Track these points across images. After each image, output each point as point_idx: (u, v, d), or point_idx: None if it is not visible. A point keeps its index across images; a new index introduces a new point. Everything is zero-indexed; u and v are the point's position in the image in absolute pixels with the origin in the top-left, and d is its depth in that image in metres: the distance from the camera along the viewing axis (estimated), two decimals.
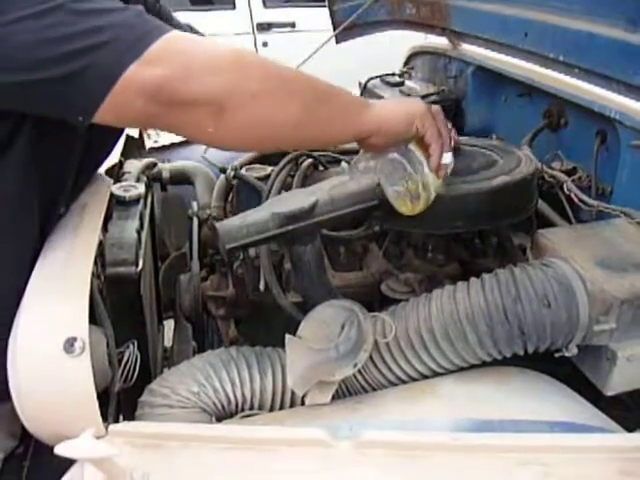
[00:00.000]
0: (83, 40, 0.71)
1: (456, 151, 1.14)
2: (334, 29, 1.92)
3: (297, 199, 0.98)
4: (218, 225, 0.98)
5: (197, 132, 0.80)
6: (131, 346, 0.98)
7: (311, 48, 1.80)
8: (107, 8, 0.74)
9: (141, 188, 1.19)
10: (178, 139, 1.89)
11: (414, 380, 0.92)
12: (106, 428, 0.76)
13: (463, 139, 1.25)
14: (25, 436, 1.10)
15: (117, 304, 1.03)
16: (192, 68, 0.74)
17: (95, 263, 0.94)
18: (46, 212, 0.95)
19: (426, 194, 0.95)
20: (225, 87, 0.75)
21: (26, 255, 0.89)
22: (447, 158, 0.96)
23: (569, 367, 0.96)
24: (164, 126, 0.81)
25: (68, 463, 0.75)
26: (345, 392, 0.94)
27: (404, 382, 0.92)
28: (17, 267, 0.87)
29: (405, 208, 0.97)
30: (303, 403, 0.89)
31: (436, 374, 0.91)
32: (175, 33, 0.76)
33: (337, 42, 1.96)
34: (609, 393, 0.90)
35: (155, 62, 0.72)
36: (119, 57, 0.71)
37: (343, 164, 1.42)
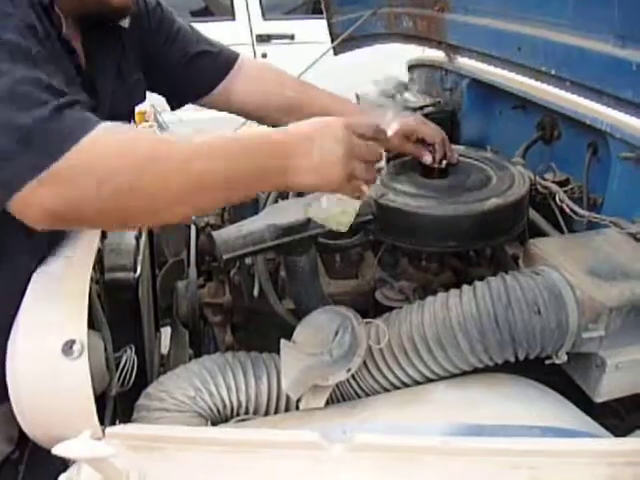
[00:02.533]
0: None
1: (453, 165, 1.16)
2: (332, 41, 1.95)
3: (293, 211, 1.00)
4: (215, 235, 0.99)
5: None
6: (128, 350, 0.99)
7: (310, 59, 1.83)
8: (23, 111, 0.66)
9: None
10: None
11: (407, 386, 0.93)
12: (103, 431, 0.76)
13: (459, 149, 1.27)
14: (21, 441, 1.10)
15: (115, 309, 1.04)
16: (93, 189, 0.67)
17: (94, 269, 0.95)
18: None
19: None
20: (124, 202, 0.70)
21: (33, 265, 0.90)
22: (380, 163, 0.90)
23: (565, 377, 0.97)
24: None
25: (64, 468, 0.76)
26: (339, 398, 0.95)
27: (397, 388, 0.93)
28: (24, 276, 0.88)
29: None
30: (297, 408, 0.91)
31: (428, 380, 0.92)
32: (86, 142, 0.67)
33: (335, 54, 1.99)
34: (598, 400, 0.91)
35: (56, 183, 0.66)
36: (19, 172, 0.66)
37: None
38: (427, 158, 1.15)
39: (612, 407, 1.01)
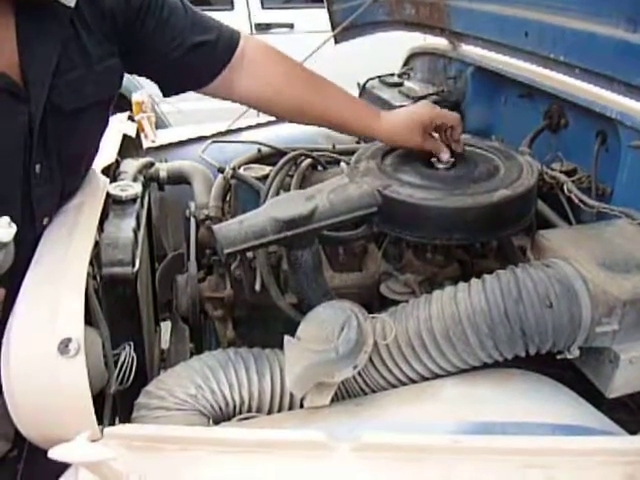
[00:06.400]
0: None
1: (459, 155, 1.13)
2: (333, 30, 1.91)
3: (296, 204, 0.97)
4: (216, 229, 0.97)
5: None
6: (127, 347, 0.97)
7: (310, 49, 1.80)
8: None
9: (138, 188, 1.18)
10: (176, 139, 1.88)
11: (414, 382, 0.90)
12: (101, 431, 0.74)
13: (465, 137, 1.24)
14: (19, 439, 1.08)
15: (113, 305, 1.01)
16: None
17: (91, 263, 0.93)
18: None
19: None
20: None
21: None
22: None
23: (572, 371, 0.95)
24: None
25: (63, 467, 0.73)
26: (344, 394, 0.93)
27: (404, 384, 0.91)
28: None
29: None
30: (302, 406, 0.88)
31: (437, 376, 0.90)
32: None
33: (336, 43, 1.96)
34: (611, 395, 0.89)
35: None
36: None
37: (342, 164, 1.41)
38: (444, 156, 1.12)
39: (622, 401, 0.98)
